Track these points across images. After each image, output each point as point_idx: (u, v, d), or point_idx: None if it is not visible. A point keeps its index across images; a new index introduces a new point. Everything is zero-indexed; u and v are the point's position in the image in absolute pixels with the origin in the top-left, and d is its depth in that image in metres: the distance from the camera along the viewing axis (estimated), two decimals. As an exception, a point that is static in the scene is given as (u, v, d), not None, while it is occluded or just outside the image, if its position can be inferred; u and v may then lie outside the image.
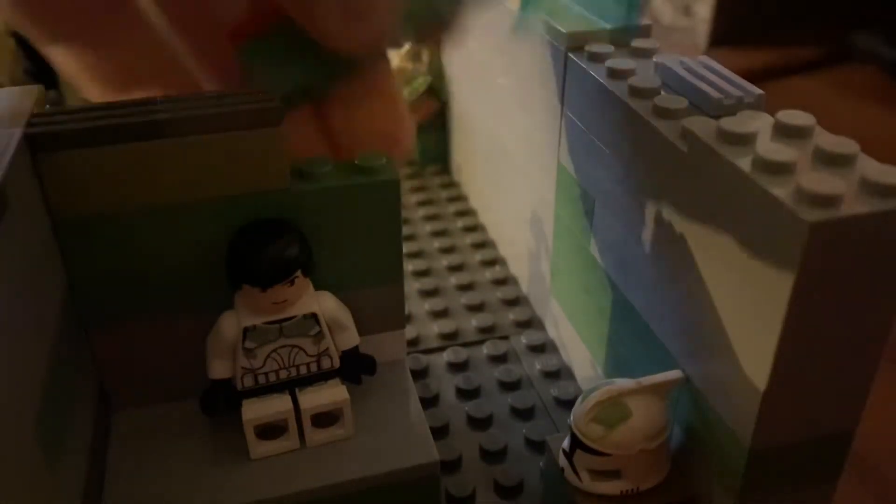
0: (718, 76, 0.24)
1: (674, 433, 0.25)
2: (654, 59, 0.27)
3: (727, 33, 0.79)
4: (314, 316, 0.26)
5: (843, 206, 0.18)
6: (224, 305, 0.25)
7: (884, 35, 0.81)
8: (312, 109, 0.25)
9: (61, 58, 0.26)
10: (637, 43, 0.28)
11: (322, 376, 0.26)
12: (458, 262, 0.42)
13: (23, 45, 0.49)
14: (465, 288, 0.40)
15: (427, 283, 0.40)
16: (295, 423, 0.26)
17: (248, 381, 0.26)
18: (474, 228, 0.45)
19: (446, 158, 0.52)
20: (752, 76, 0.24)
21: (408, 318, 0.37)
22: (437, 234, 0.45)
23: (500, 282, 0.40)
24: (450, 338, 0.36)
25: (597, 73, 0.27)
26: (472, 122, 0.46)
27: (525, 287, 0.39)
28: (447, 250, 0.43)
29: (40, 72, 0.49)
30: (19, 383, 0.20)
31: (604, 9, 0.30)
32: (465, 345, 0.36)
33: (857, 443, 0.23)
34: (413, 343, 0.36)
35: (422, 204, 0.48)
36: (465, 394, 0.33)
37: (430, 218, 0.46)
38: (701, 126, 0.22)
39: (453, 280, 0.40)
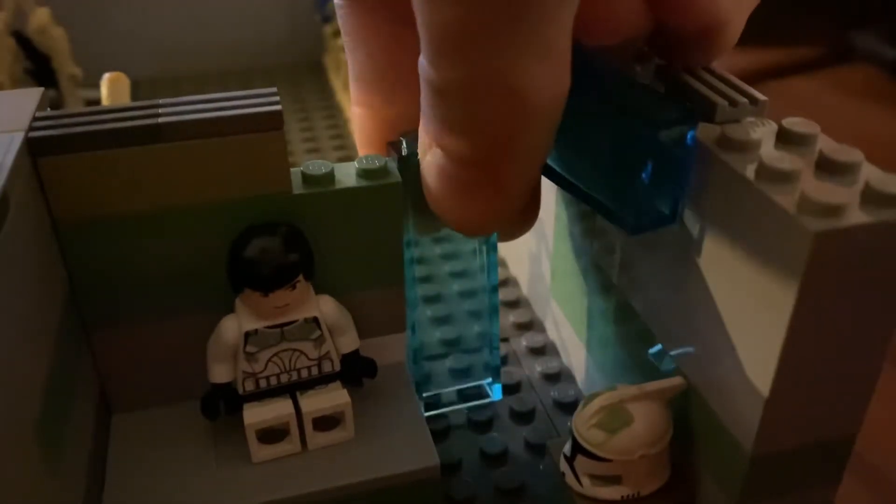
0: (721, 81, 0.24)
1: (675, 439, 0.25)
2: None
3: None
4: (315, 320, 0.26)
5: (848, 216, 0.18)
6: (225, 309, 0.25)
7: (884, 35, 0.81)
8: None
9: None
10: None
11: (323, 380, 0.26)
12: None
13: (23, 44, 0.49)
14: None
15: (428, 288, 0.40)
16: (297, 427, 0.26)
17: (250, 385, 0.26)
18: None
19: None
20: (752, 76, 0.24)
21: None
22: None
23: (500, 283, 0.40)
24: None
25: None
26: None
27: (525, 289, 0.39)
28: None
29: (40, 71, 0.49)
30: (20, 385, 0.20)
31: None
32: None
33: (858, 444, 0.23)
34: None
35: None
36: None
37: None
38: (704, 132, 0.22)
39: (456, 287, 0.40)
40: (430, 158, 0.22)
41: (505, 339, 0.36)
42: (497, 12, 0.18)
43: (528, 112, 0.19)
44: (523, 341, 0.36)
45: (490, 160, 0.21)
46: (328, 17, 0.59)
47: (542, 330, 0.37)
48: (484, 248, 0.29)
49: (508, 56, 0.18)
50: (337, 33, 0.58)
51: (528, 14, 0.18)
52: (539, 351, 0.35)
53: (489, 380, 0.32)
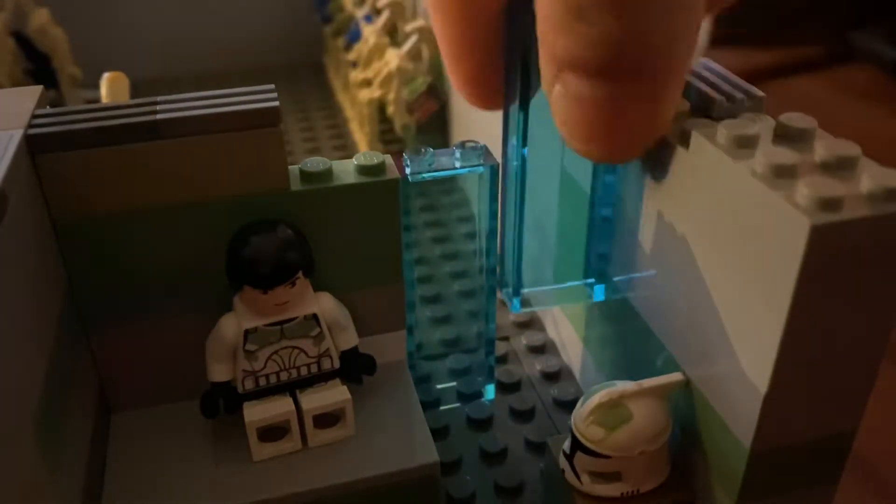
0: (719, 78, 0.24)
1: (674, 435, 0.25)
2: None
3: (727, 33, 0.79)
4: (314, 316, 0.26)
5: (845, 209, 0.18)
6: (223, 306, 0.25)
7: (884, 35, 0.81)
8: None
9: None
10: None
11: (322, 377, 0.26)
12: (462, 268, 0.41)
13: (23, 44, 0.49)
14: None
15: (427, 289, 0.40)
16: (297, 425, 0.26)
17: (249, 384, 0.26)
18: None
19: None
20: (752, 76, 0.24)
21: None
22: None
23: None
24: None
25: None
26: (472, 124, 0.46)
27: (525, 287, 0.39)
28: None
29: (40, 71, 0.49)
30: (19, 384, 0.20)
31: None
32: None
33: (857, 443, 0.23)
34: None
35: (423, 209, 0.48)
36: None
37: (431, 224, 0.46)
38: (702, 128, 0.22)
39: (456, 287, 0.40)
40: (561, 89, 0.19)
41: (505, 338, 0.36)
42: None
43: None
44: (523, 340, 0.36)
45: (647, 52, 0.18)
46: (328, 18, 0.59)
47: (542, 328, 0.37)
48: (484, 250, 0.29)
49: None
50: (337, 33, 0.58)
51: None
52: (539, 349, 0.35)
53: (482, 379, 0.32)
